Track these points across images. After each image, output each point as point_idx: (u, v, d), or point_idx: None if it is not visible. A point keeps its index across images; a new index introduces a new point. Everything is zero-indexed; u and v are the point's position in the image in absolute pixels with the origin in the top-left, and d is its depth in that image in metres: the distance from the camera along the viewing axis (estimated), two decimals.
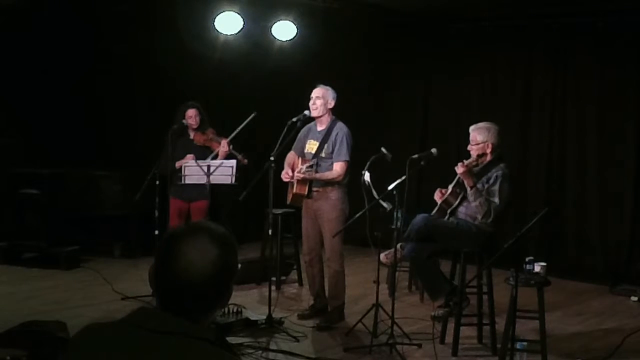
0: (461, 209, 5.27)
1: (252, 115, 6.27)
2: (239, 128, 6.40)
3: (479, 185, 5.16)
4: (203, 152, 6.44)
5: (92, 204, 8.00)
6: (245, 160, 6.41)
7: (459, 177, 5.26)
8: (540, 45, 8.05)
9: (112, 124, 8.36)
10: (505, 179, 5.13)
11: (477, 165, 5.19)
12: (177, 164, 6.36)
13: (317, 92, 5.69)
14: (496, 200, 5.10)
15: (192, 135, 6.54)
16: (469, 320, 5.31)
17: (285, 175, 5.73)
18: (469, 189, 5.13)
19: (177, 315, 1.61)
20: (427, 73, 8.88)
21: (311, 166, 5.63)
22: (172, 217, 6.53)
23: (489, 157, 5.28)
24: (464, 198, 5.23)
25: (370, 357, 5.03)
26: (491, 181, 5.15)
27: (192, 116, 6.47)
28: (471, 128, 5.37)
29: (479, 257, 5.25)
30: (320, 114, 5.68)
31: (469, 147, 5.34)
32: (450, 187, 5.40)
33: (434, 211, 5.38)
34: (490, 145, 5.25)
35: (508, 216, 5.67)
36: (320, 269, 5.92)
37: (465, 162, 5.14)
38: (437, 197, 5.43)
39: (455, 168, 5.17)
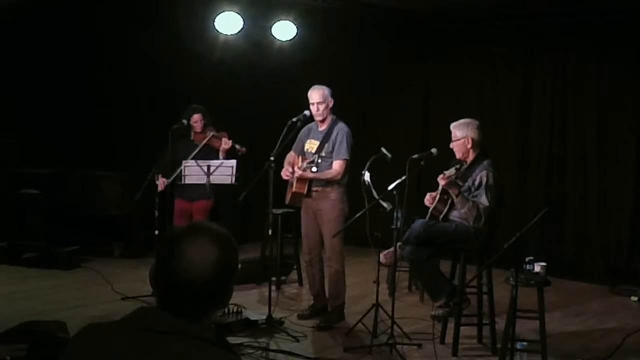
0: (455, 213, 5.25)
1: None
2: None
3: (465, 188, 5.15)
4: (205, 152, 6.43)
5: (92, 204, 7.99)
6: (244, 149, 6.41)
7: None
8: (540, 45, 8.04)
9: (112, 124, 8.36)
10: (490, 182, 5.09)
11: (460, 167, 5.18)
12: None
13: (316, 97, 5.62)
14: (485, 202, 5.07)
15: (192, 136, 6.56)
16: (469, 320, 5.31)
17: (285, 172, 5.72)
18: (454, 197, 5.12)
19: (177, 315, 1.61)
20: (427, 73, 8.88)
21: (312, 161, 5.62)
22: (175, 218, 6.54)
23: (471, 155, 5.27)
24: (453, 203, 5.22)
25: (370, 357, 5.03)
26: (476, 184, 5.13)
27: (197, 121, 6.49)
28: (451, 125, 5.38)
29: (479, 257, 5.24)
30: (325, 116, 5.67)
31: (450, 145, 5.34)
32: (439, 192, 5.37)
33: (427, 217, 5.37)
34: (470, 141, 5.24)
35: (502, 214, 5.65)
36: (320, 268, 5.92)
37: (446, 173, 5.12)
38: (428, 201, 5.42)
39: (438, 179, 5.15)
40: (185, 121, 6.46)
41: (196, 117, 6.49)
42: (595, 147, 7.71)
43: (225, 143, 6.37)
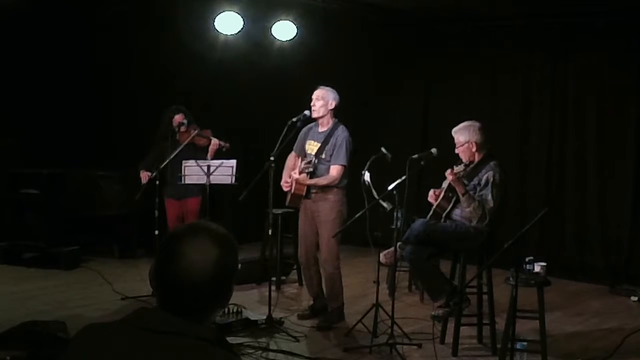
0: (456, 212, 5.25)
1: None
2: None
3: (471, 187, 5.14)
4: (190, 151, 6.39)
5: (92, 204, 8.00)
6: (227, 144, 6.42)
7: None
8: (540, 45, 8.05)
9: (112, 124, 8.37)
10: (496, 182, 5.09)
11: (469, 165, 5.18)
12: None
13: (317, 94, 5.66)
14: (490, 202, 5.07)
15: (177, 135, 6.54)
16: (469, 320, 5.30)
17: (285, 184, 5.74)
18: (460, 195, 5.11)
19: (178, 315, 1.61)
20: (427, 73, 8.88)
21: (309, 162, 5.62)
22: (169, 218, 6.54)
23: (477, 157, 5.25)
24: (458, 201, 5.21)
25: (370, 357, 5.03)
26: (482, 183, 5.12)
27: (179, 121, 6.47)
28: (453, 131, 5.31)
29: (479, 257, 5.24)
30: (321, 114, 5.66)
31: (456, 151, 5.32)
32: (442, 189, 5.36)
33: (429, 215, 5.37)
34: (474, 144, 5.21)
35: (504, 215, 5.65)
36: (317, 270, 5.91)
37: (455, 168, 5.11)
38: (431, 198, 5.41)
39: (446, 174, 5.15)
40: (185, 122, 6.46)
41: (178, 118, 6.47)
42: (595, 147, 7.71)
43: (214, 144, 6.38)
